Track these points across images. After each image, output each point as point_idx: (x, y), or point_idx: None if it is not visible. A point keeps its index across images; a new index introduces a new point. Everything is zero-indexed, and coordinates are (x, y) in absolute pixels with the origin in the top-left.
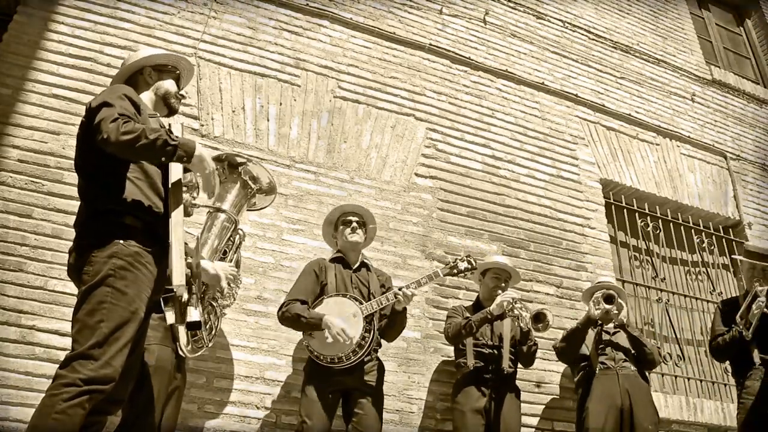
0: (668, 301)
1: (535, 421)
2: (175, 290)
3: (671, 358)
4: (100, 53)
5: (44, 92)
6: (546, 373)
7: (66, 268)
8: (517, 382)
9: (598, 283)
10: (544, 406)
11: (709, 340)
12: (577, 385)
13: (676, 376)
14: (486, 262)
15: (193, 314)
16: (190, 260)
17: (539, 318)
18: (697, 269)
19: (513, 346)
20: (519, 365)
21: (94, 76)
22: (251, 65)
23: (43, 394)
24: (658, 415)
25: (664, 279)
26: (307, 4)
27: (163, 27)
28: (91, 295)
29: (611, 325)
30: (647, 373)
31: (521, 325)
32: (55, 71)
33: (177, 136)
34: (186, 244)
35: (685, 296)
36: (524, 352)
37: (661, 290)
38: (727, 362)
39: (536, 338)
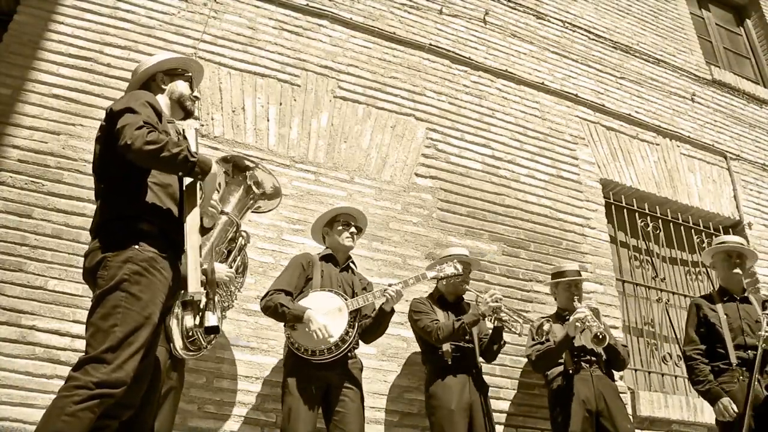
0: (668, 301)
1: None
2: (192, 295)
3: (671, 358)
4: (100, 53)
5: (44, 92)
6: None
7: (66, 267)
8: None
9: (566, 274)
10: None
11: (684, 343)
12: (549, 383)
13: (676, 376)
14: (445, 255)
15: (211, 319)
16: (205, 266)
17: (542, 326)
18: (697, 269)
19: (494, 342)
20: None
21: (94, 76)
22: (251, 65)
23: (43, 394)
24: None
25: (664, 279)
26: (307, 4)
27: (163, 27)
28: (106, 299)
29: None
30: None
31: (514, 330)
32: (55, 71)
33: (197, 153)
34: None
35: (685, 296)
36: (493, 350)
37: (661, 290)
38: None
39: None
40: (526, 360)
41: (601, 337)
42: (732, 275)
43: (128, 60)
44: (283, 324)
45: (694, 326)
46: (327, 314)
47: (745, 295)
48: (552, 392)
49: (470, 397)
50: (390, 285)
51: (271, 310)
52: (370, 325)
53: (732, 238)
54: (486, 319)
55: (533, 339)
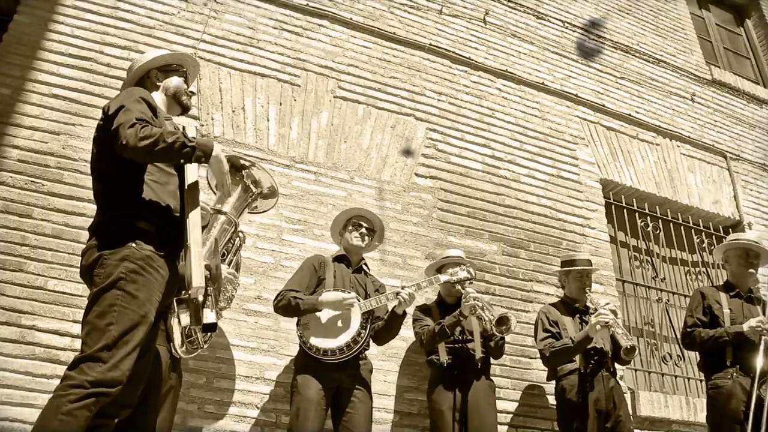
0: (668, 301)
1: (515, 418)
2: (190, 292)
3: (671, 358)
4: (100, 53)
5: (44, 92)
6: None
7: (66, 267)
8: (498, 379)
9: (577, 262)
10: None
11: (685, 326)
12: (558, 380)
13: (676, 376)
14: (439, 259)
15: (209, 316)
16: (208, 262)
17: (502, 321)
18: (697, 269)
19: (483, 338)
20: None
21: (94, 76)
22: (251, 65)
23: (43, 394)
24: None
25: (664, 279)
26: (307, 4)
27: (163, 27)
28: (102, 297)
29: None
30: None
31: (485, 326)
32: (55, 71)
33: (194, 137)
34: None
35: (685, 296)
36: (492, 347)
37: (661, 290)
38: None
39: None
40: (526, 360)
41: (630, 347)
42: (745, 273)
43: (128, 60)
44: (296, 323)
45: (696, 313)
46: (340, 314)
47: (751, 295)
48: (562, 391)
49: (465, 398)
50: (403, 287)
51: (285, 307)
52: (383, 327)
53: (750, 236)
54: (471, 316)
55: (543, 332)
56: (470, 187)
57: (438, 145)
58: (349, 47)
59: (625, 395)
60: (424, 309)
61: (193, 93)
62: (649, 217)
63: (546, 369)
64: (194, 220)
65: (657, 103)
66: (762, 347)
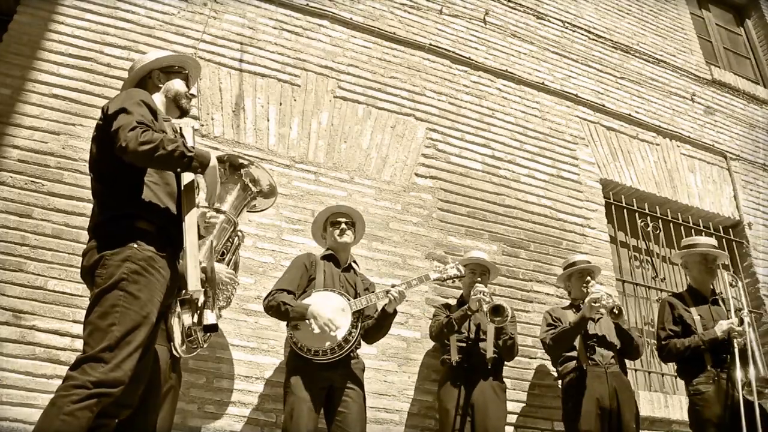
0: None
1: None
2: (191, 294)
3: None
4: (100, 53)
5: (44, 92)
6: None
7: (66, 267)
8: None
9: (577, 263)
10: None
11: (659, 340)
12: (562, 378)
13: (675, 376)
14: (463, 258)
15: (210, 317)
16: (204, 264)
17: (497, 311)
18: None
19: (497, 338)
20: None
21: (94, 76)
22: (251, 65)
23: (43, 394)
24: (638, 413)
25: (664, 279)
26: (307, 4)
27: (163, 27)
28: (104, 298)
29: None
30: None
31: (485, 317)
32: (55, 71)
33: (193, 147)
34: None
35: None
36: (501, 346)
37: (661, 290)
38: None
39: (512, 333)
40: (526, 360)
41: (617, 312)
42: (707, 278)
43: (128, 60)
44: (285, 324)
45: (668, 324)
46: (331, 311)
47: (715, 297)
48: (565, 388)
49: (472, 397)
50: (393, 286)
51: (274, 309)
52: (373, 326)
53: (705, 241)
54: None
55: (546, 326)
56: (470, 187)
57: (438, 145)
58: (349, 47)
59: (653, 393)
60: (444, 306)
61: (193, 95)
62: (649, 217)
63: (551, 371)
64: (190, 221)
65: (657, 103)
66: (737, 350)
